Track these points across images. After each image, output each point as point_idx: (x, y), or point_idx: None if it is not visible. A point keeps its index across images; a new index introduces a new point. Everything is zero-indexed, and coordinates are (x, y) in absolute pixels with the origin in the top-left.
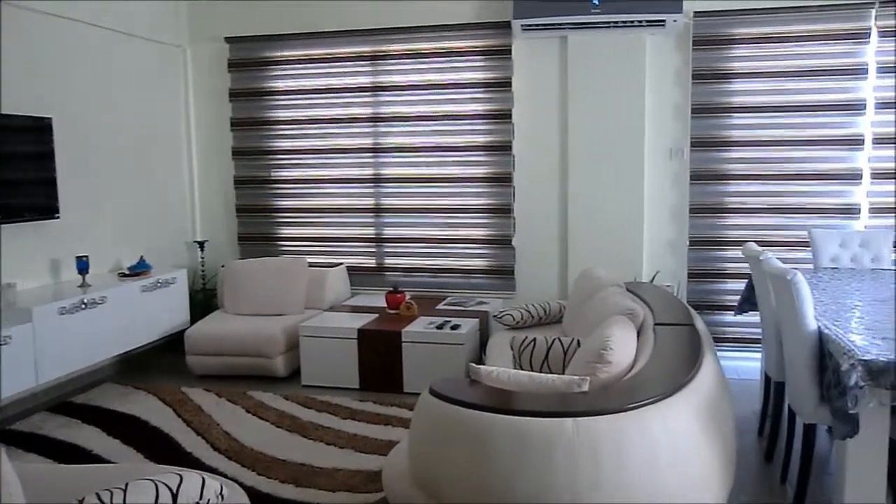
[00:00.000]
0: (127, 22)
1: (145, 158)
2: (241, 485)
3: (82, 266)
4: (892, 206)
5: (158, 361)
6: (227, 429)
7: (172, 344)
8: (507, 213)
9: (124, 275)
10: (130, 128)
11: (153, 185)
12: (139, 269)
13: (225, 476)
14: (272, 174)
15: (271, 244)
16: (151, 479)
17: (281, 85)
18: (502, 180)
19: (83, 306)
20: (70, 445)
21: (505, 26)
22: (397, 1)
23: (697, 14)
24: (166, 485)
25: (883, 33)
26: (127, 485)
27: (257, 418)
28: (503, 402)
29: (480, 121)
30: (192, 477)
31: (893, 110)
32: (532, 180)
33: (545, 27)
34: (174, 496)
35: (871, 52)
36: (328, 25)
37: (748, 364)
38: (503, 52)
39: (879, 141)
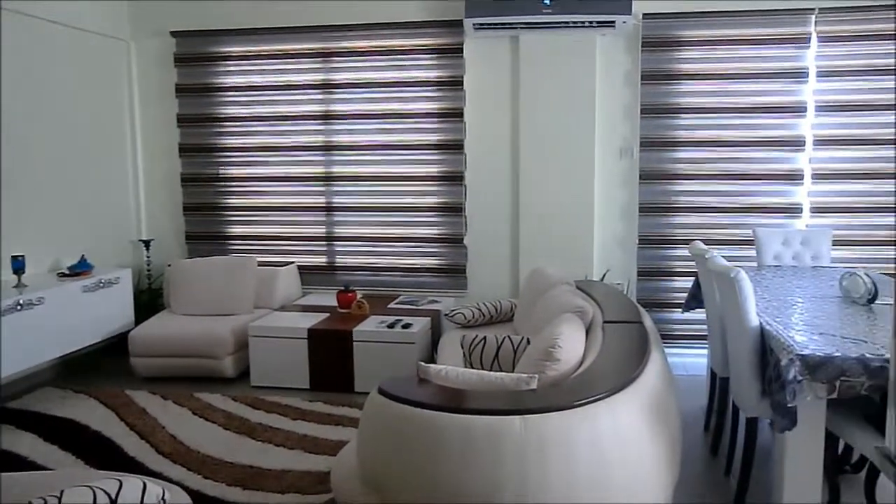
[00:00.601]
0: (65, 13)
1: (87, 154)
2: (186, 489)
3: (17, 266)
4: (832, 205)
5: (101, 364)
6: (173, 432)
7: (116, 346)
8: (459, 212)
9: (64, 275)
10: (70, 123)
11: (95, 182)
12: (80, 269)
13: (169, 480)
14: (220, 172)
15: (220, 243)
16: (89, 486)
17: (229, 81)
18: (454, 179)
19: (19, 307)
20: (4, 453)
21: (457, 25)
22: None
23: (646, 16)
24: (104, 490)
25: (822, 38)
26: (62, 492)
27: (204, 420)
28: (452, 401)
29: (432, 119)
30: (132, 482)
31: (833, 113)
32: (484, 179)
33: (497, 26)
34: (112, 502)
35: (811, 57)
36: (278, 21)
37: (696, 360)
38: (455, 51)
39: (819, 143)
